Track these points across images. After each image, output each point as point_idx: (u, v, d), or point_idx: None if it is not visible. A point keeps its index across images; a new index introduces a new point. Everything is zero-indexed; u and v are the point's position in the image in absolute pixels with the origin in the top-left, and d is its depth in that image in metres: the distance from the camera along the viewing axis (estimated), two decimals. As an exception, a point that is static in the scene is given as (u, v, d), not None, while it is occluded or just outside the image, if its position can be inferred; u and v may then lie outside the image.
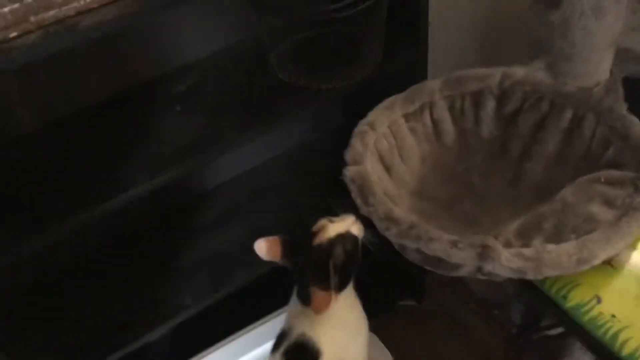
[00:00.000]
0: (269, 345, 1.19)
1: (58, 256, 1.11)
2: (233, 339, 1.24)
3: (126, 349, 1.05)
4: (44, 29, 0.76)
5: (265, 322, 1.26)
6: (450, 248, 0.84)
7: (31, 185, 0.94)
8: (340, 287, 0.87)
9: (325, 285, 0.83)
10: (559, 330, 1.14)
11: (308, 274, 0.87)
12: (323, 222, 0.90)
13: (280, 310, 1.22)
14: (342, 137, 1.02)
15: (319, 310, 0.83)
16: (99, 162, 0.97)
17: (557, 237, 0.88)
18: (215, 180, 1.26)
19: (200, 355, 1.20)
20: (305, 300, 0.89)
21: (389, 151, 1.05)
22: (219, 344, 1.22)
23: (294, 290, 0.94)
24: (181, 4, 0.90)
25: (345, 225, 0.88)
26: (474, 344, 1.48)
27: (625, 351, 0.79)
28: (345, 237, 0.87)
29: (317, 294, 0.83)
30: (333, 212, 0.92)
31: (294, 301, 0.96)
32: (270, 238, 0.90)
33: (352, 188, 0.94)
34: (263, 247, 0.89)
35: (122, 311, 1.08)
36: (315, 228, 0.89)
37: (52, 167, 0.97)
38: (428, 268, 0.94)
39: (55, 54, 0.78)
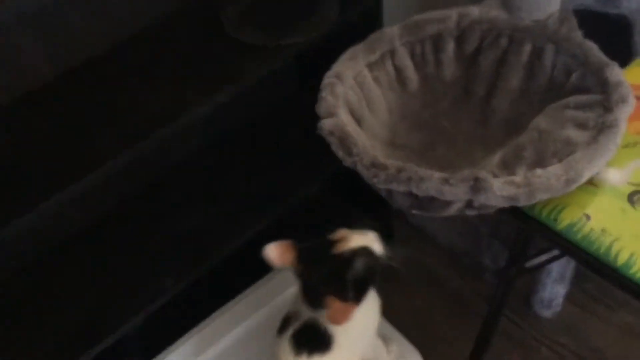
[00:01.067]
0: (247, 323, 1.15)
1: (23, 246, 1.03)
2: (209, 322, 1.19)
3: (108, 340, 0.99)
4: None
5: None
6: (442, 185, 0.83)
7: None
8: (358, 300, 0.80)
9: (343, 297, 0.77)
10: (537, 261, 1.17)
11: (322, 282, 0.79)
12: (343, 231, 0.82)
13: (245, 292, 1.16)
14: (305, 97, 0.99)
15: (337, 322, 0.77)
16: (63, 143, 0.90)
17: (539, 163, 0.89)
18: (179, 155, 1.20)
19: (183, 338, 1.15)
20: (315, 305, 0.81)
21: (358, 103, 1.03)
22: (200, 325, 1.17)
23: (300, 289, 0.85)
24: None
25: (367, 240, 0.82)
26: (447, 292, 1.51)
27: (620, 261, 0.81)
28: (366, 252, 0.80)
29: (336, 305, 0.76)
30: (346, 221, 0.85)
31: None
32: (282, 243, 0.81)
33: (332, 140, 0.92)
34: (274, 253, 0.80)
35: (99, 301, 1.02)
36: (334, 236, 0.82)
37: (11, 151, 0.90)
38: (415, 212, 0.93)
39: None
